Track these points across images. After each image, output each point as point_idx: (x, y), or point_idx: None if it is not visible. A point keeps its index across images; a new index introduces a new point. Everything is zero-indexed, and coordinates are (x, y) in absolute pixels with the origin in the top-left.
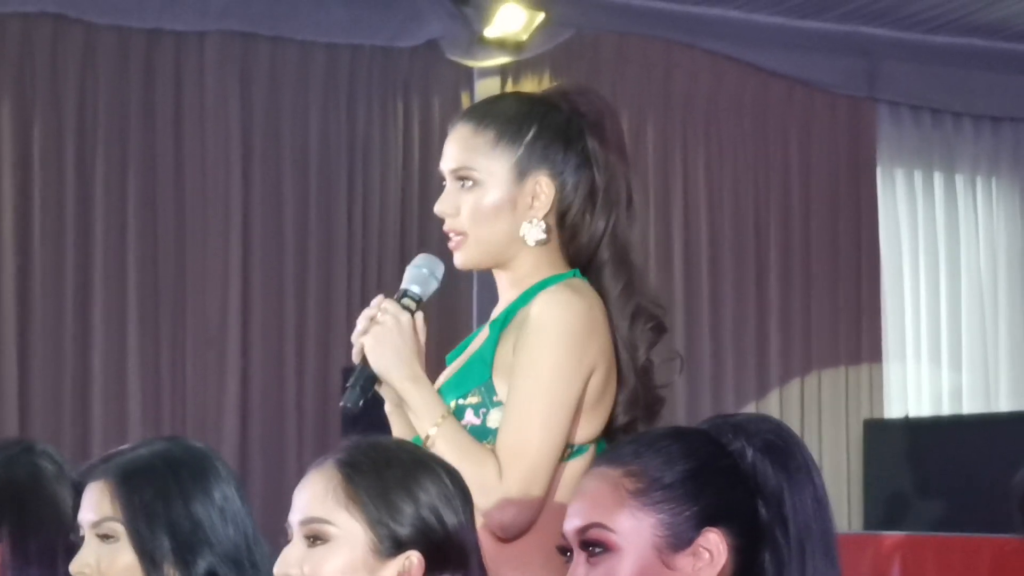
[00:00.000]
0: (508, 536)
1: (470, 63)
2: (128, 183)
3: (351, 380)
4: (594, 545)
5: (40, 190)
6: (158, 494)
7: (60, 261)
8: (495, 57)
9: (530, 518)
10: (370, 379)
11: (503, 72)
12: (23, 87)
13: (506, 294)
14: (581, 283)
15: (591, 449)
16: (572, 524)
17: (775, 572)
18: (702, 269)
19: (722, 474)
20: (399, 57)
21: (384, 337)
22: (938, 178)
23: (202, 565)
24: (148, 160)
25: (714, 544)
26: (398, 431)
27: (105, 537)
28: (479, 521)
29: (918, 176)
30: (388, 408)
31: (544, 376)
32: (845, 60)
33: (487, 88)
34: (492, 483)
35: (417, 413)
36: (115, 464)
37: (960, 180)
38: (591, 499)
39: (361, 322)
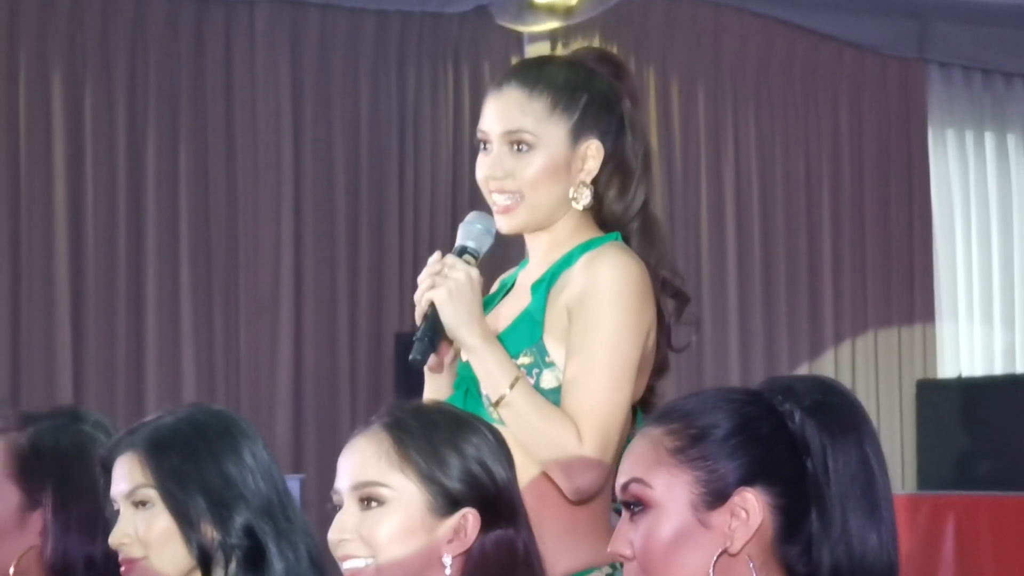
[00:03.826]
0: (579, 500)
1: (520, 28)
2: (179, 152)
3: (418, 333)
4: (635, 503)
5: (91, 160)
6: (187, 456)
7: (112, 230)
8: (545, 22)
9: (604, 481)
10: (438, 333)
11: (552, 37)
12: (74, 58)
13: (544, 256)
14: (625, 245)
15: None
16: (618, 482)
17: (821, 530)
18: (754, 231)
19: (765, 434)
20: (449, 23)
21: (458, 293)
22: (989, 138)
23: (239, 520)
24: (199, 129)
25: (750, 503)
26: (432, 392)
27: (140, 504)
28: (525, 480)
29: (969, 136)
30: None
31: (610, 337)
32: (895, 21)
33: (537, 53)
34: (573, 445)
35: (490, 372)
36: (141, 434)
37: (1012, 140)
38: (633, 457)
39: (426, 279)
